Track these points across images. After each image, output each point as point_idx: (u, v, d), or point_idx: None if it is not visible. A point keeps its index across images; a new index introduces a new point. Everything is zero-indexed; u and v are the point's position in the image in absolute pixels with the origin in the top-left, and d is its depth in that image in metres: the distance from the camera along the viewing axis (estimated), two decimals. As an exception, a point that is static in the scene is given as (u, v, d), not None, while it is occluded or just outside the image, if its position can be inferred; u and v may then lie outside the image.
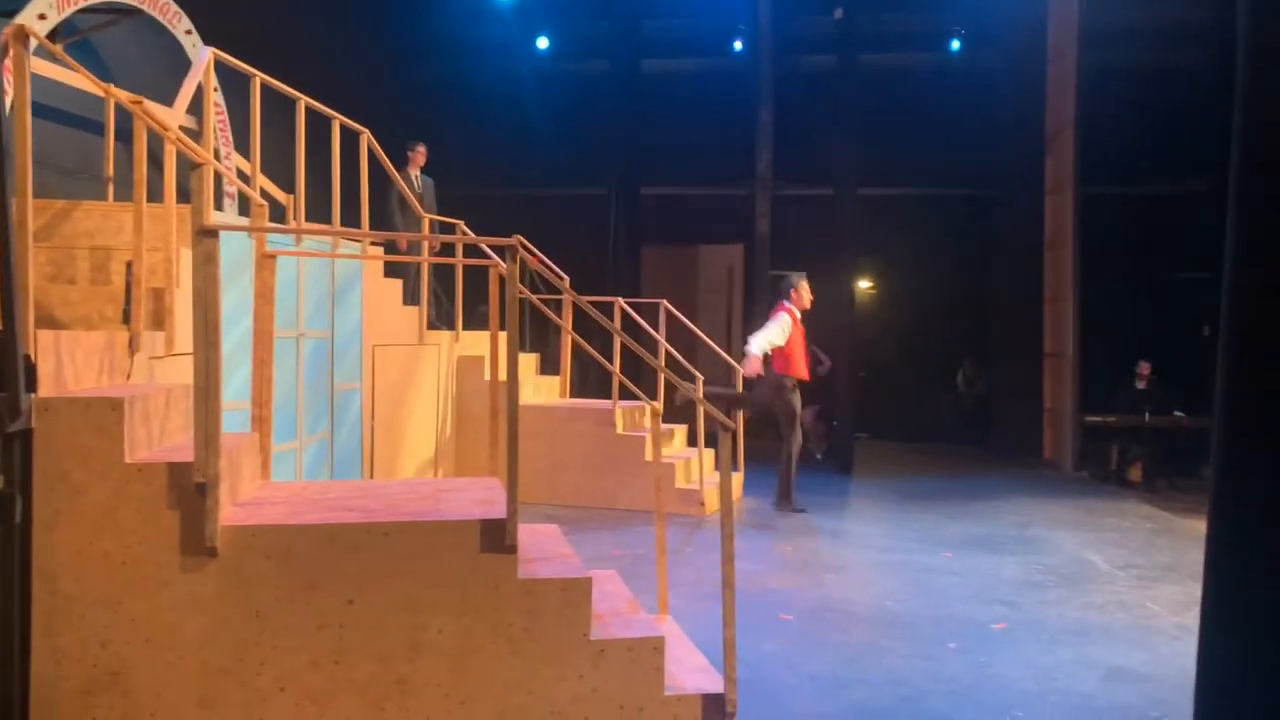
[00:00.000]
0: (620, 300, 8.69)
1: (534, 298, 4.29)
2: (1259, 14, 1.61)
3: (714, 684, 3.56)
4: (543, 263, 7.42)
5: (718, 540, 6.94)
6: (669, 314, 8.94)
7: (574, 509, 7.87)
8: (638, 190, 13.12)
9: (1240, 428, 1.53)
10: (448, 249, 8.69)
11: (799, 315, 8.16)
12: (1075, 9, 11.22)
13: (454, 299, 8.53)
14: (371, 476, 7.16)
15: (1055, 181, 11.77)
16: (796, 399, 8.04)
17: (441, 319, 8.96)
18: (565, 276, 7.75)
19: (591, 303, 8.65)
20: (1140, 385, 10.96)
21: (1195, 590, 5.57)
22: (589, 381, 11.87)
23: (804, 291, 8.20)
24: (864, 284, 13.69)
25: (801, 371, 8.06)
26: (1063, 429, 11.31)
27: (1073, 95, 11.21)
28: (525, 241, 4.29)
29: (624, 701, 3.38)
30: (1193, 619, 5.10)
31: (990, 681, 4.17)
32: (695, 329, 9.44)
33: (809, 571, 6.13)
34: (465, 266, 8.05)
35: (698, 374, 8.43)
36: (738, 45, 13.54)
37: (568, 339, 8.90)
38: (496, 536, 3.30)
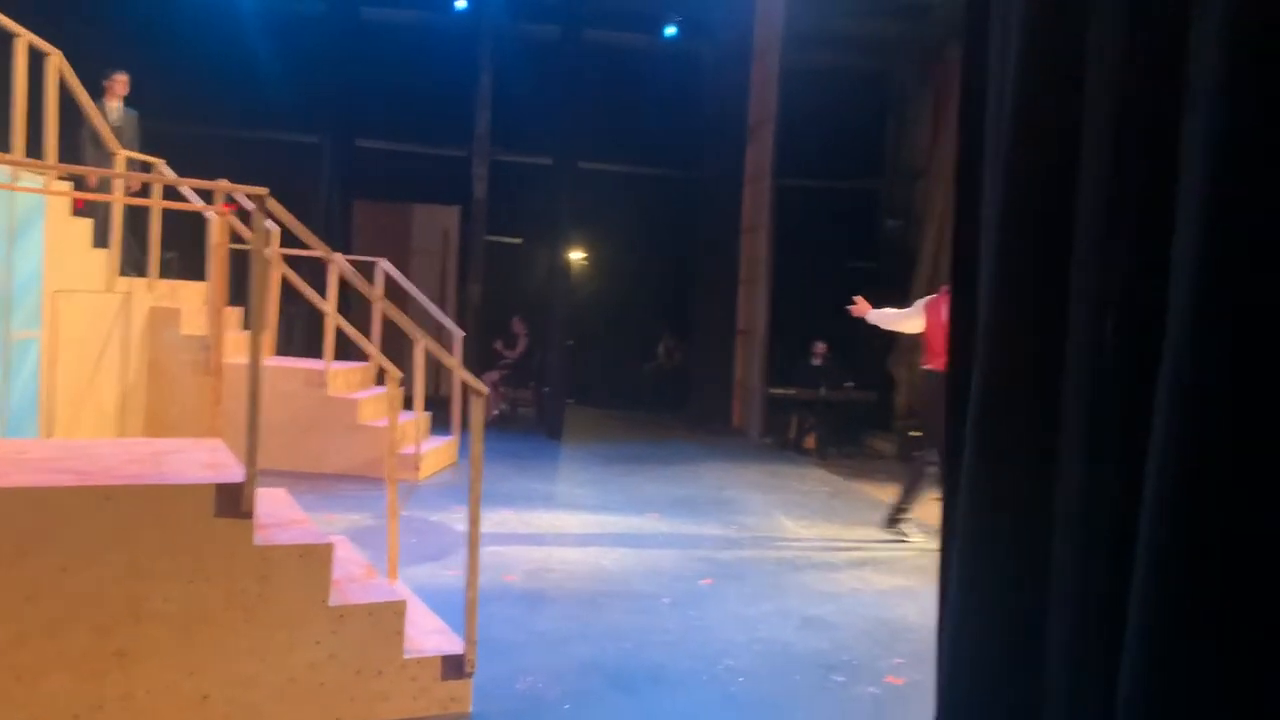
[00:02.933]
0: (340, 258, 8.36)
1: (277, 251, 4.08)
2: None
3: (451, 645, 3.62)
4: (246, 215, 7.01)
5: (434, 504, 6.96)
6: (386, 274, 8.73)
7: (279, 474, 7.53)
8: (353, 142, 12.64)
9: (991, 399, 1.75)
10: (148, 189, 7.98)
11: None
12: (780, 11, 12.03)
13: (149, 245, 7.85)
14: (50, 434, 6.49)
15: (755, 171, 12.61)
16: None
17: (133, 266, 8.23)
18: (275, 228, 7.37)
19: (306, 258, 8.32)
20: (816, 362, 12.01)
21: (870, 546, 6.31)
22: (294, 339, 11.35)
23: None
24: (577, 255, 14.01)
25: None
26: (751, 400, 12.22)
27: (774, 92, 12.03)
28: (233, 188, 4.08)
29: (361, 666, 3.37)
30: (869, 572, 5.78)
31: (701, 633, 4.52)
32: (413, 289, 9.28)
33: (528, 534, 6.29)
34: (165, 211, 7.45)
35: (418, 337, 8.29)
36: (460, 2, 13.32)
37: (276, 294, 8.46)
38: (232, 501, 3.17)
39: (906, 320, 6.62)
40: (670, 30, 13.66)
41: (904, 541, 6.43)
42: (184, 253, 9.60)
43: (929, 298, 6.54)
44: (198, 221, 8.30)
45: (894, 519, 6.60)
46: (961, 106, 2.29)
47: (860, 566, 5.89)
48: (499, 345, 12.69)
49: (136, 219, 8.45)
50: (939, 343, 6.07)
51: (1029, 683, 1.64)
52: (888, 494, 8.44)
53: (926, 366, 6.45)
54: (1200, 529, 1.24)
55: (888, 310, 6.74)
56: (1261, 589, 1.23)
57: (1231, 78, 1.27)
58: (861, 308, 6.65)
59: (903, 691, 3.95)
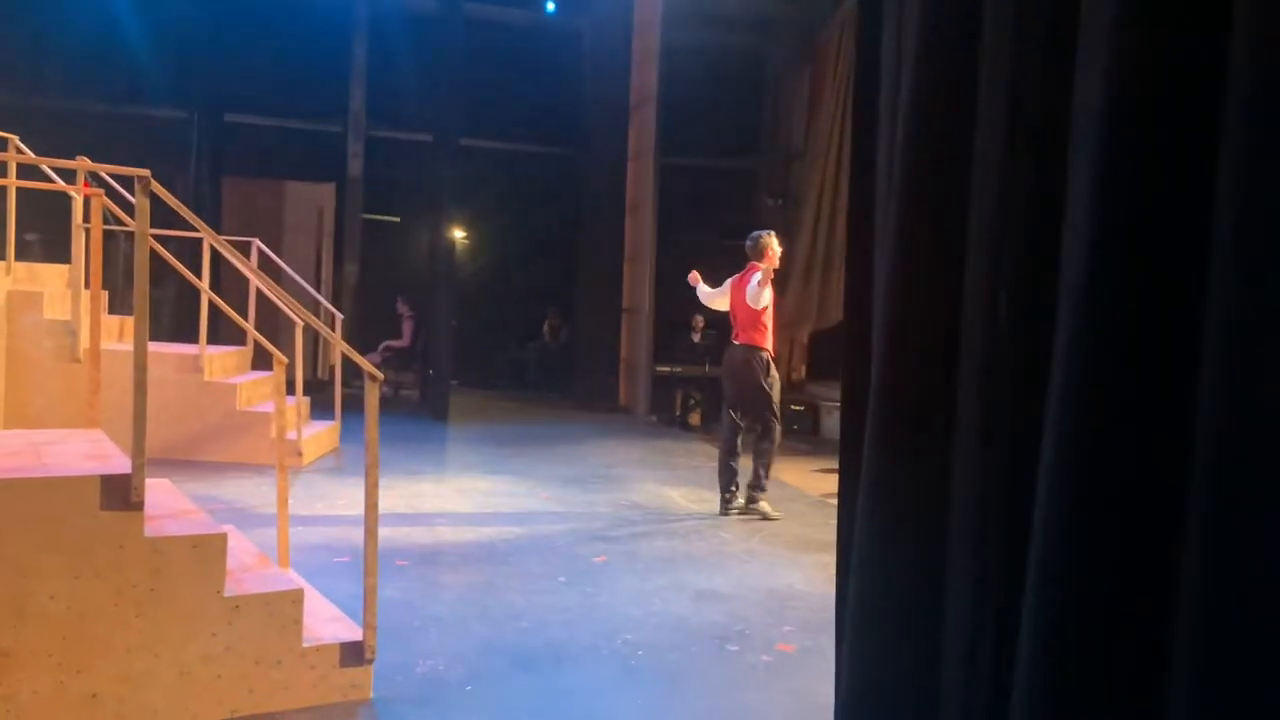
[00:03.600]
0: (217, 237, 8.07)
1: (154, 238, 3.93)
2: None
3: (350, 632, 3.59)
4: (114, 193, 6.71)
5: (318, 491, 6.82)
6: (260, 254, 8.47)
7: (156, 463, 7.26)
8: (222, 116, 12.16)
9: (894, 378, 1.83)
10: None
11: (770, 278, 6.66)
12: (659, -11, 12.08)
13: (3, 226, 7.42)
14: (-100, 428, 6.10)
15: (638, 148, 12.68)
16: (775, 380, 6.74)
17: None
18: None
19: (174, 237, 8.01)
20: (695, 338, 12.19)
21: (755, 519, 6.49)
22: (162, 323, 10.90)
23: (775, 248, 6.70)
24: (458, 233, 13.83)
25: (772, 347, 6.77)
26: (637, 378, 12.34)
27: (655, 70, 12.10)
28: (92, 165, 3.93)
29: (259, 656, 3.31)
30: (757, 544, 5.94)
31: (599, 609, 4.58)
32: (289, 270, 9.04)
33: (418, 516, 6.24)
34: (19, 190, 7.04)
35: (301, 318, 8.09)
36: (334, -27, 12.93)
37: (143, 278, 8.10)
38: (120, 493, 3.07)
39: (718, 298, 6.98)
40: (550, 6, 13.57)
41: (770, 520, 6.60)
42: (42, 235, 9.12)
43: (733, 277, 6.87)
44: (55, 202, 7.88)
45: (752, 500, 6.71)
46: (856, 85, 2.37)
47: (748, 539, 6.06)
48: (389, 341, 12.48)
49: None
50: (742, 318, 6.69)
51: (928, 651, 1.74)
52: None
53: (735, 341, 6.78)
54: (1091, 505, 1.35)
55: (704, 287, 7.09)
56: (1149, 566, 1.34)
57: (1120, 56, 1.37)
58: (694, 278, 7.11)
59: (794, 658, 4.10)
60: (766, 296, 6.60)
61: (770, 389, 6.66)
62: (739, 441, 6.79)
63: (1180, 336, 1.29)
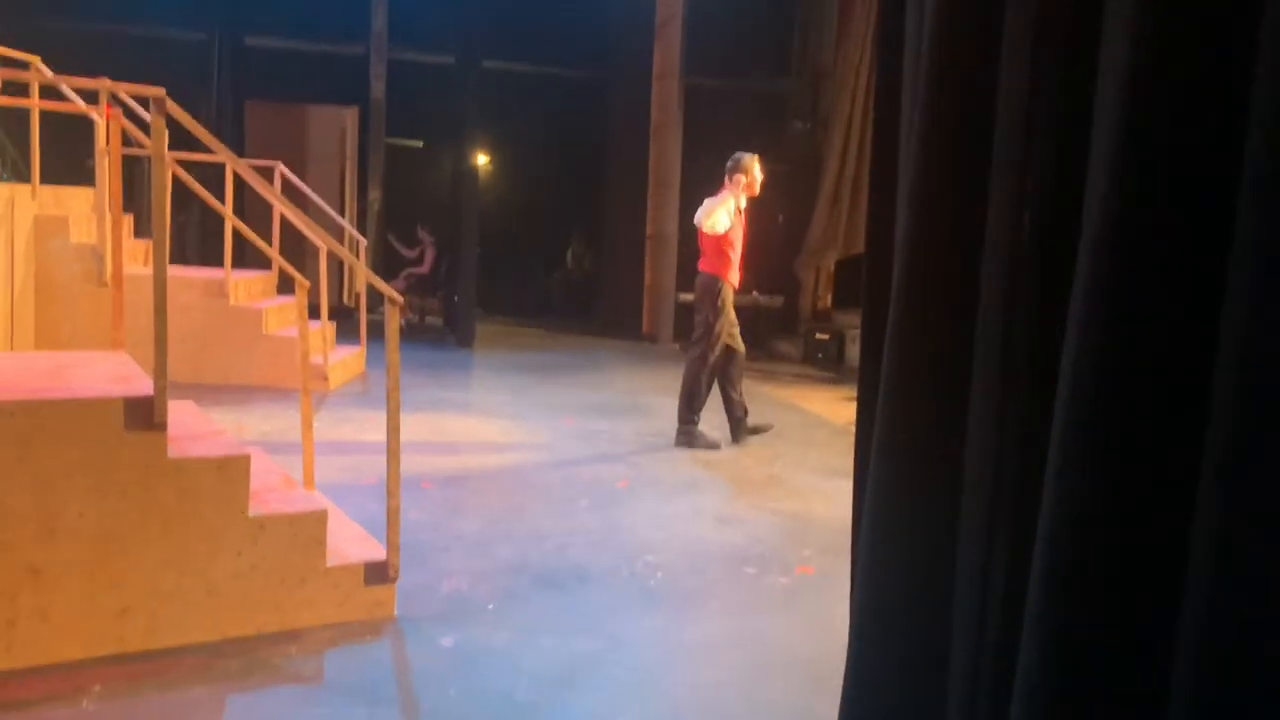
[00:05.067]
0: (237, 160, 8.05)
1: (175, 157, 3.91)
2: None
3: (374, 552, 3.65)
4: (133, 115, 6.68)
5: (344, 415, 6.89)
6: (283, 179, 8.44)
7: (184, 387, 7.35)
8: (243, 39, 12.03)
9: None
10: (18, 89, 7.50)
11: (744, 204, 6.46)
12: (687, -96, 11.74)
13: (29, 149, 7.42)
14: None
15: (662, 68, 12.44)
16: (728, 309, 6.40)
17: (11, 170, 7.79)
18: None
19: (198, 162, 7.99)
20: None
21: (778, 446, 6.49)
22: (186, 248, 10.96)
23: (755, 174, 6.39)
24: (482, 158, 13.72)
25: (735, 276, 6.42)
26: (662, 305, 12.29)
27: (680, -13, 11.82)
28: (113, 85, 3.90)
29: (284, 575, 3.37)
30: (779, 468, 5.96)
31: (621, 532, 4.63)
32: (313, 195, 9.02)
33: (444, 442, 6.29)
34: (44, 112, 7.03)
35: (323, 243, 8.09)
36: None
37: (162, 200, 8.10)
38: (144, 414, 3.10)
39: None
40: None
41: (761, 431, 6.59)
42: (55, 156, 9.11)
43: (710, 198, 6.50)
44: (63, 123, 7.85)
45: (737, 424, 6.57)
46: (879, 11, 2.30)
47: (770, 464, 6.07)
48: (398, 245, 12.49)
49: (8, 121, 7.98)
50: (703, 244, 6.35)
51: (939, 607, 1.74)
52: (793, 396, 8.67)
53: (699, 267, 6.47)
54: (1108, 442, 1.32)
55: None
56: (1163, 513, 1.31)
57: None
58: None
59: (812, 580, 4.13)
60: (723, 222, 6.23)
61: (714, 321, 6.30)
62: (734, 370, 6.53)
63: (1204, 305, 1.25)
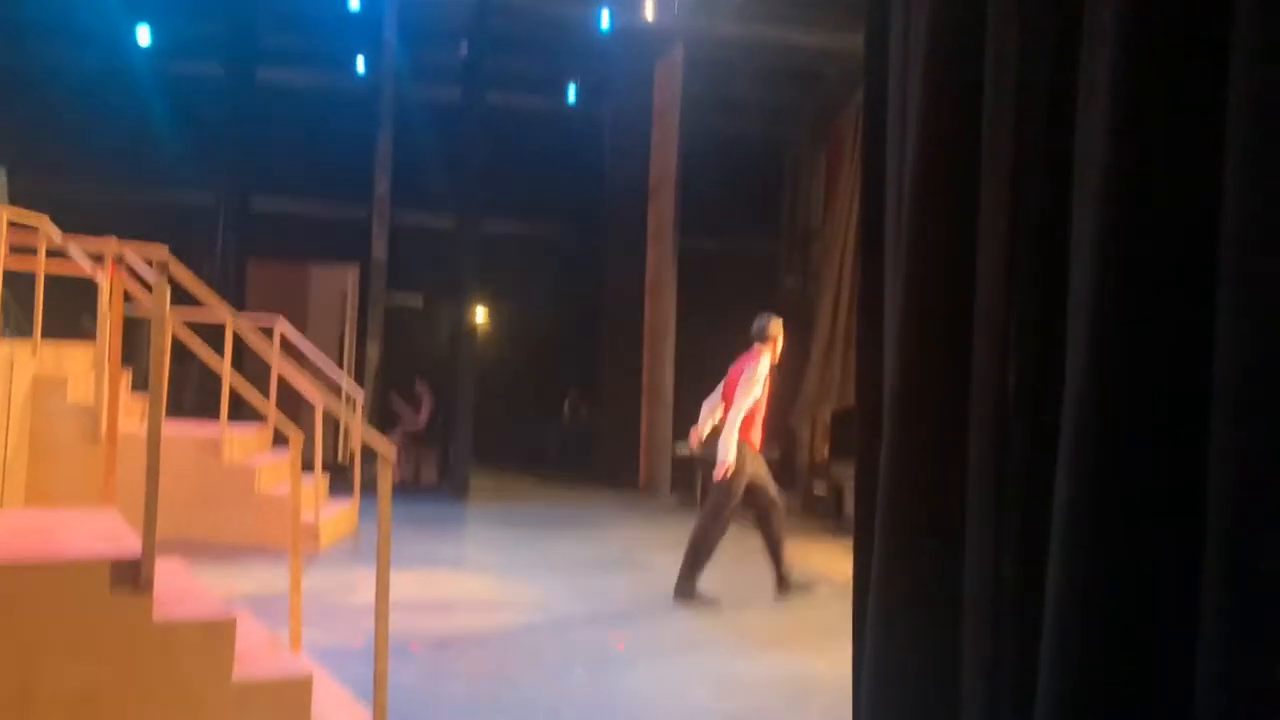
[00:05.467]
0: (236, 316, 8.18)
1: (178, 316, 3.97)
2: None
3: (360, 718, 3.52)
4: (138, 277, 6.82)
5: (335, 573, 6.77)
6: (283, 336, 8.55)
7: (172, 543, 7.24)
8: (248, 201, 12.41)
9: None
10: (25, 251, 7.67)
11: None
12: (678, 76, 12.33)
13: (32, 308, 7.53)
14: (-79, 509, 6.12)
15: (657, 229, 12.80)
16: (752, 469, 6.34)
17: (14, 328, 7.88)
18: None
19: (202, 323, 8.10)
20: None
21: (778, 603, 6.35)
22: (183, 403, 10.98)
23: (779, 336, 6.48)
24: (480, 315, 13.95)
25: (757, 436, 6.44)
26: (659, 457, 12.25)
27: (674, 152, 12.28)
28: (119, 246, 3.99)
29: (267, 744, 3.24)
30: (782, 629, 5.82)
31: (616, 698, 4.48)
32: (311, 351, 9.11)
33: (435, 600, 6.16)
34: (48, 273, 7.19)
35: (319, 399, 8.12)
36: (360, 66, 13.29)
37: (160, 362, 8.17)
38: (129, 576, 3.05)
39: (711, 411, 6.62)
40: (571, 94, 13.87)
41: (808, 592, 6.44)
42: (57, 308, 9.26)
43: (733, 365, 6.54)
44: (66, 278, 7.98)
45: (781, 581, 6.48)
46: (863, 156, 2.39)
47: (772, 623, 5.93)
48: (396, 401, 12.51)
49: (13, 281, 8.11)
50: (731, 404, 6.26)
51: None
52: (792, 550, 8.52)
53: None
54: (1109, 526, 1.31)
55: (703, 415, 6.70)
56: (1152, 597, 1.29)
57: (1113, 179, 1.38)
58: (694, 438, 6.72)
59: (817, 747, 3.97)
60: (759, 389, 6.30)
61: (733, 484, 6.23)
62: (774, 524, 6.45)
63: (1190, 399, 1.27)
